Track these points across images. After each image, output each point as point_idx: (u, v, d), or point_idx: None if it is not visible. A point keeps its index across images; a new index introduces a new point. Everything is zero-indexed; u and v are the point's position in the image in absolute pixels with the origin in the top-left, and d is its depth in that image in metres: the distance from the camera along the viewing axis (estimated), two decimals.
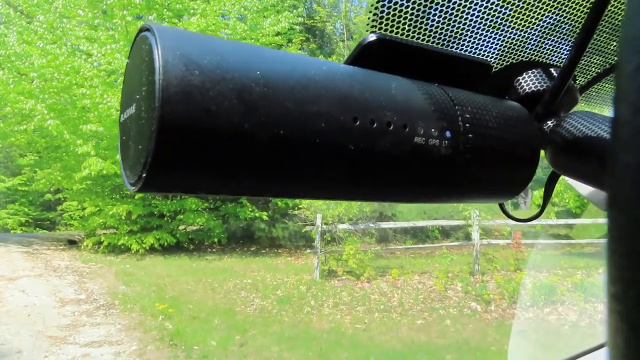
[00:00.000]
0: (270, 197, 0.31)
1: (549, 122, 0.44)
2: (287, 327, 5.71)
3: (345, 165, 0.30)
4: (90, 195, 12.22)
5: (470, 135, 0.35)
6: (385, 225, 9.89)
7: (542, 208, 0.52)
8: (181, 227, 12.91)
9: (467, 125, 0.35)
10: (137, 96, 0.26)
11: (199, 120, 0.24)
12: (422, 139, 0.32)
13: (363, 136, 0.29)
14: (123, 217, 11.47)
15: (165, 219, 12.33)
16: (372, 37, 0.36)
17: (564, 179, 0.52)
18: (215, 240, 12.92)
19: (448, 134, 0.34)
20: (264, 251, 12.52)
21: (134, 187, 0.26)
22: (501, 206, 0.52)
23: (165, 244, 11.49)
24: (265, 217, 12.64)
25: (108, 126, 10.55)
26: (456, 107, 0.35)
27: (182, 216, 12.14)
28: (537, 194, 13.44)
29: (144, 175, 0.24)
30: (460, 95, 0.37)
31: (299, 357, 4.77)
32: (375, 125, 0.30)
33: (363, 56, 0.36)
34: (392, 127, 0.31)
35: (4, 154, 20.92)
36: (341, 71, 0.31)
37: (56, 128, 9.92)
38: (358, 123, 0.29)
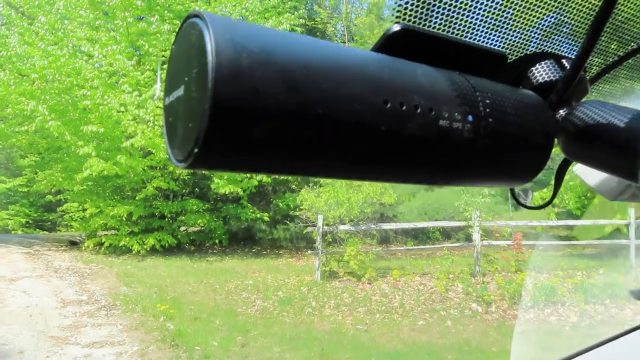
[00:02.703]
0: (309, 176, 0.33)
1: (561, 111, 0.46)
2: (288, 328, 5.71)
3: (378, 144, 0.31)
4: (91, 196, 12.24)
5: (490, 120, 0.37)
6: (386, 226, 9.89)
7: (553, 195, 0.54)
8: (182, 228, 12.93)
9: (488, 110, 0.37)
10: (186, 78, 0.28)
11: (248, 98, 0.25)
12: (446, 122, 0.34)
13: (393, 118, 0.31)
14: (124, 218, 11.48)
15: (167, 220, 12.34)
16: (397, 27, 0.38)
17: (570, 174, 0.54)
18: (217, 241, 12.94)
19: (470, 117, 0.36)
20: (265, 252, 12.53)
21: (183, 164, 0.28)
22: (511, 191, 0.54)
23: (167, 245, 11.50)
24: (266, 219, 12.65)
25: (109, 127, 10.56)
26: (477, 93, 0.37)
27: (183, 217, 12.16)
28: (538, 195, 13.44)
29: (195, 150, 0.26)
30: (480, 83, 0.39)
31: (300, 358, 4.78)
32: (404, 107, 0.32)
33: (388, 44, 0.38)
34: (419, 110, 0.33)
35: (4, 155, 20.96)
36: (371, 57, 0.33)
37: (57, 129, 9.93)
38: (389, 105, 0.31)
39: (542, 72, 0.48)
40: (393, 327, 5.81)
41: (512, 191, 0.55)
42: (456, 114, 0.35)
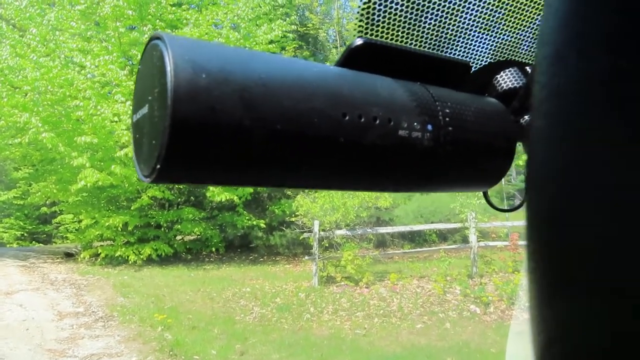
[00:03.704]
0: (269, 187, 0.35)
1: (526, 117, 0.47)
2: (287, 335, 5.70)
3: (337, 156, 0.33)
4: (86, 207, 12.18)
5: (450, 128, 0.38)
6: (382, 230, 9.90)
7: (524, 199, 0.55)
8: (178, 237, 12.89)
9: (447, 119, 0.38)
10: (150, 97, 0.29)
11: (206, 117, 0.27)
12: (406, 131, 0.35)
13: (352, 129, 0.32)
14: (119, 229, 11.43)
15: (162, 229, 12.30)
16: (359, 41, 0.39)
17: None
18: (213, 249, 12.91)
19: (430, 127, 0.37)
20: (262, 259, 12.50)
21: (148, 179, 0.29)
22: (485, 195, 0.56)
23: (163, 254, 11.45)
24: (262, 225, 12.62)
25: (103, 138, 10.53)
26: (437, 103, 0.39)
27: (179, 226, 12.12)
28: None
29: (158, 167, 0.27)
30: (440, 92, 0.40)
31: None
32: (362, 119, 0.33)
33: (351, 58, 0.39)
34: (378, 122, 0.34)
35: None
36: (331, 72, 0.35)
37: (51, 140, 9.89)
38: (347, 118, 0.32)
39: (505, 80, 0.50)
40: (392, 331, 5.80)
41: (485, 194, 0.56)
42: (415, 123, 0.36)
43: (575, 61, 0.18)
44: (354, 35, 0.41)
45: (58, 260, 12.71)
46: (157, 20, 11.66)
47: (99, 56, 10.93)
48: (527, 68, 0.51)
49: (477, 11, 0.47)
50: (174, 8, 12.51)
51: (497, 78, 0.50)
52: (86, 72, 11.30)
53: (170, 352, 4.96)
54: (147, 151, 0.29)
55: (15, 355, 4.72)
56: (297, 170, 0.32)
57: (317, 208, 9.01)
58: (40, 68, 10.38)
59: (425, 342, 5.39)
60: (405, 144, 0.35)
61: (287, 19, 13.38)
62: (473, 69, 0.50)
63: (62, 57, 11.37)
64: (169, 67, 0.26)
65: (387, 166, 0.36)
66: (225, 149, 0.28)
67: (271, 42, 13.05)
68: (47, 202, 15.27)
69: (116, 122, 10.75)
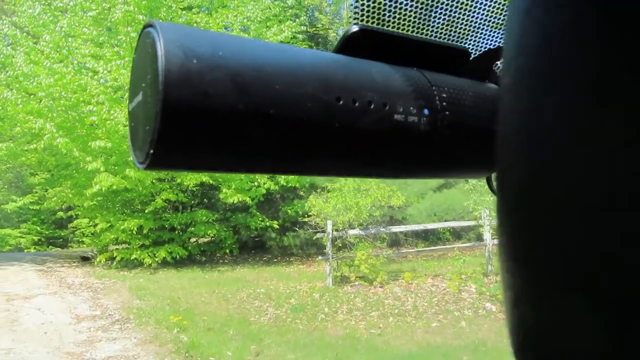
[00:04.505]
0: (263, 173, 0.34)
1: None
2: (302, 335, 5.70)
3: (331, 141, 0.32)
4: (101, 211, 12.31)
5: (447, 113, 0.38)
6: (396, 229, 9.86)
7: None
8: (192, 240, 12.96)
9: (444, 103, 0.38)
10: (143, 84, 0.29)
11: (197, 101, 0.27)
12: (402, 116, 0.35)
13: (346, 114, 0.32)
14: (134, 232, 11.52)
15: (177, 232, 12.38)
16: (355, 28, 0.39)
17: None
18: (227, 251, 12.96)
19: (426, 111, 0.37)
20: (275, 260, 12.52)
21: (142, 165, 0.29)
22: (488, 181, 0.55)
23: (178, 257, 11.53)
24: (275, 226, 12.65)
25: (116, 142, 10.63)
26: (433, 87, 0.38)
27: (193, 228, 12.19)
28: None
29: (151, 152, 0.27)
30: (437, 78, 0.40)
31: None
32: (357, 104, 0.33)
33: (347, 45, 0.39)
34: (373, 106, 0.34)
35: (15, 173, 21.16)
36: (325, 57, 0.35)
37: (65, 146, 10.00)
38: (341, 102, 0.32)
39: None
40: (407, 330, 5.78)
41: (489, 181, 0.55)
42: (411, 108, 0.36)
43: (541, 15, 0.18)
44: (350, 22, 0.41)
45: (75, 264, 12.86)
46: None
47: (111, 61, 11.03)
48: None
49: None
50: (184, 12, 12.58)
51: (497, 64, 0.49)
52: (99, 78, 11.42)
53: (186, 354, 4.99)
54: (141, 138, 0.29)
55: (34, 359, 4.78)
56: (291, 155, 0.32)
57: (329, 208, 9.01)
58: (54, 74, 10.52)
59: (441, 341, 5.35)
60: (401, 128, 0.35)
61: (297, 20, 13.38)
62: (472, 56, 0.49)
63: (75, 63, 11.51)
64: (160, 52, 0.26)
65: (383, 151, 0.35)
66: (218, 134, 0.28)
67: (281, 43, 13.05)
68: (63, 206, 15.46)
69: None
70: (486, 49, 0.52)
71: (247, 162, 0.31)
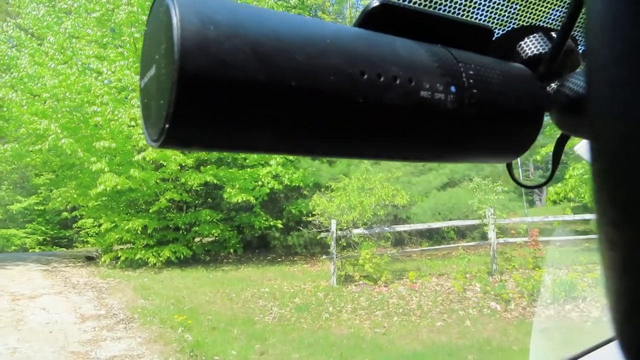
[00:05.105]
0: (283, 154, 0.33)
1: (553, 84, 0.45)
2: (306, 334, 5.70)
3: (355, 117, 0.31)
4: (105, 211, 12.35)
5: (474, 91, 0.37)
6: (400, 228, 9.84)
7: (552, 172, 0.54)
8: (197, 239, 12.98)
9: (471, 81, 0.37)
10: (157, 56, 0.28)
11: (216, 71, 0.25)
12: (428, 92, 0.34)
13: (371, 88, 0.31)
14: (139, 232, 11.55)
15: (181, 231, 12.41)
16: (376, 3, 0.38)
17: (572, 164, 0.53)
18: (231, 250, 12.97)
19: (453, 88, 0.35)
20: (280, 259, 12.52)
21: (156, 143, 0.28)
22: (508, 168, 0.54)
23: (182, 256, 11.55)
24: (279, 226, 12.65)
25: (121, 142, 10.67)
26: (460, 64, 0.37)
27: (197, 228, 12.21)
28: (552, 190, 13.31)
29: (167, 126, 0.26)
30: (463, 55, 0.38)
31: None
32: (382, 78, 0.31)
33: (368, 20, 0.38)
34: (398, 81, 0.32)
35: (20, 174, 21.25)
36: (347, 31, 0.34)
37: (70, 146, 10.04)
38: (365, 76, 0.31)
39: (530, 45, 0.48)
40: (412, 329, 5.77)
41: (509, 167, 0.54)
42: (438, 84, 0.34)
43: None
44: None
45: (79, 264, 12.90)
46: None
47: (115, 62, 11.07)
48: (552, 33, 0.49)
49: None
50: None
51: (520, 44, 0.48)
52: (103, 78, 11.47)
53: (191, 353, 5.00)
54: (155, 113, 0.28)
55: (39, 358, 4.80)
56: (313, 133, 0.30)
57: (333, 207, 9.00)
58: (58, 75, 10.56)
59: (445, 340, 5.34)
60: (427, 105, 0.34)
61: None
62: (495, 35, 0.49)
63: (79, 64, 11.56)
64: (175, 19, 0.25)
65: (409, 129, 0.34)
66: (237, 106, 0.27)
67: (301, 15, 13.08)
68: (68, 207, 15.49)
69: (133, 126, 10.87)
70: (510, 29, 0.51)
71: (265, 141, 0.30)
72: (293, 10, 15.10)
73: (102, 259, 12.26)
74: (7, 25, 11.67)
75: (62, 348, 5.15)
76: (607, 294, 0.19)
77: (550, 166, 0.55)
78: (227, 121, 0.27)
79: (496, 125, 0.39)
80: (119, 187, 10.34)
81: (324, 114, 0.30)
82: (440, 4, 0.44)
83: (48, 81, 10.43)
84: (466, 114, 0.36)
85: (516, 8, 0.49)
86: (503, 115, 0.39)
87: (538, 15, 0.51)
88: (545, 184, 0.56)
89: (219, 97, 0.26)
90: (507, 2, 0.48)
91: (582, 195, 11.54)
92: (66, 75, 10.53)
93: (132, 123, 10.87)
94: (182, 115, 0.25)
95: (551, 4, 0.50)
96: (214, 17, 0.26)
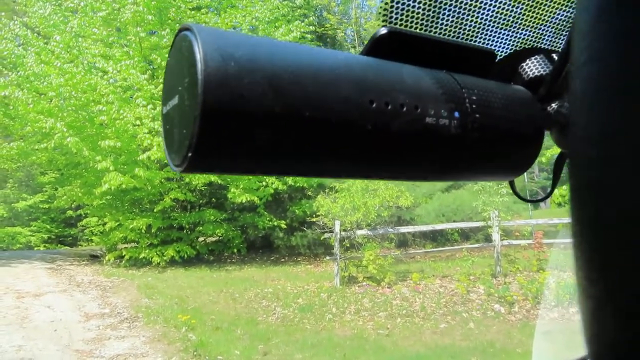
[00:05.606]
0: (298, 176, 0.35)
1: (553, 105, 0.47)
2: (309, 335, 5.70)
3: (365, 143, 0.33)
4: (110, 210, 12.40)
5: (477, 115, 0.38)
6: (404, 229, 9.83)
7: (552, 189, 0.56)
8: (200, 239, 13.01)
9: (474, 106, 0.39)
10: (180, 88, 0.29)
11: (235, 104, 0.27)
12: (433, 119, 0.36)
13: (379, 116, 0.33)
14: (143, 231, 11.59)
15: (185, 231, 12.44)
16: (384, 30, 0.40)
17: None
18: (235, 250, 12.99)
19: (457, 114, 0.37)
20: (283, 260, 12.53)
21: (179, 168, 0.29)
22: (511, 184, 0.56)
23: (186, 256, 11.57)
24: (283, 226, 12.66)
25: (126, 141, 10.70)
26: (463, 90, 0.39)
27: (201, 228, 12.24)
28: (557, 192, 13.26)
29: (189, 155, 0.28)
30: (466, 80, 0.40)
31: None
32: (389, 106, 0.33)
33: (376, 48, 0.39)
34: (405, 109, 0.34)
35: (25, 172, 21.34)
36: (356, 60, 0.35)
37: (75, 145, 10.08)
38: (374, 105, 0.33)
39: (531, 67, 0.49)
40: (415, 331, 5.76)
41: (512, 184, 0.56)
42: (442, 110, 0.36)
43: (617, 19, 0.17)
44: (379, 25, 0.41)
45: (84, 262, 12.95)
46: (177, 25, 11.78)
47: (120, 61, 11.11)
48: (553, 55, 0.50)
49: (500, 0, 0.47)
50: (193, 12, 12.63)
51: (522, 66, 0.50)
52: (108, 77, 11.50)
53: (195, 353, 5.01)
54: (178, 141, 0.29)
55: (44, 356, 4.82)
56: (326, 157, 0.32)
57: (337, 208, 9.01)
58: (64, 74, 10.60)
59: (449, 342, 5.33)
60: (432, 130, 0.35)
61: (305, 20, 13.38)
62: (498, 57, 0.50)
63: (85, 63, 11.59)
64: (198, 56, 0.27)
65: (415, 153, 0.36)
66: (255, 136, 0.28)
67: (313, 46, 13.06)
68: (73, 205, 15.55)
69: (138, 125, 10.90)
70: (511, 51, 0.52)
71: (282, 165, 0.31)
72: (298, 10, 15.09)
73: (107, 258, 12.30)
74: (14, 24, 11.71)
75: (67, 346, 5.17)
76: (584, 333, 0.20)
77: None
78: (245, 149, 0.29)
79: (498, 147, 0.41)
80: (123, 186, 10.37)
81: (334, 141, 0.31)
82: (446, 30, 0.46)
83: (54, 80, 10.46)
84: (469, 138, 0.38)
85: (517, 31, 0.50)
86: (504, 137, 0.41)
87: (538, 38, 0.52)
88: (545, 199, 0.58)
89: (238, 128, 0.28)
90: (510, 25, 0.49)
91: None
92: (72, 74, 10.56)
93: (137, 122, 10.90)
94: (204, 145, 0.27)
95: (553, 25, 0.51)
96: (233, 53, 0.28)
